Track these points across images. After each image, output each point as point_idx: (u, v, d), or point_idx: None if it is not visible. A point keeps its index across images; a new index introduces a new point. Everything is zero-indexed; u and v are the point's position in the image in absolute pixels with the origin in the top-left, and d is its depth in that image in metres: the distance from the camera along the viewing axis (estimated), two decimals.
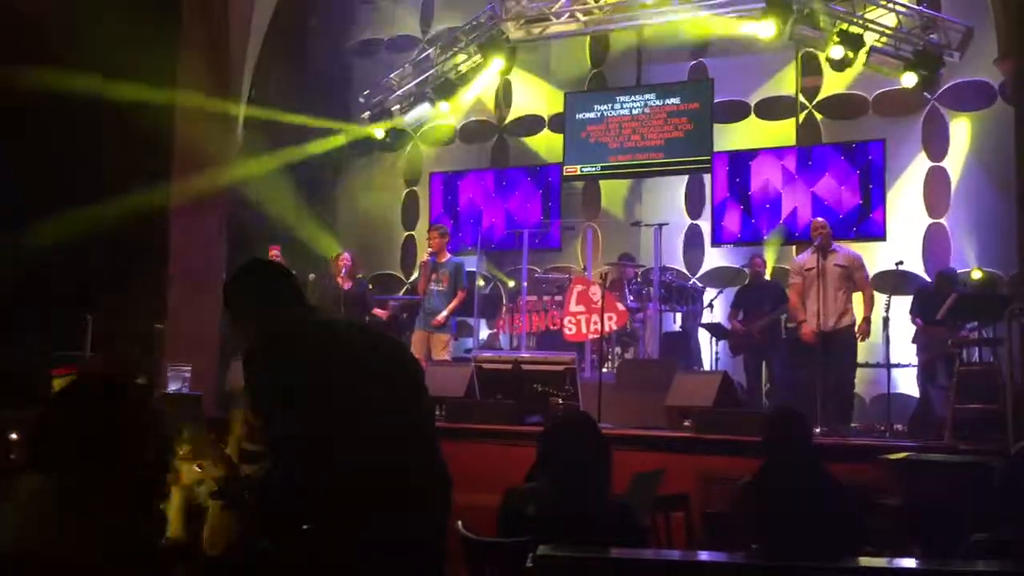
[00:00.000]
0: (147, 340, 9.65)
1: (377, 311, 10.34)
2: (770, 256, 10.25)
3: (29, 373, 7.70)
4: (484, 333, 11.06)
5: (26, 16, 8.75)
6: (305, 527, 2.65)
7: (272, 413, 2.74)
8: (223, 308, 3.00)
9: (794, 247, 10.23)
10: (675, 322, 10.44)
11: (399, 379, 2.85)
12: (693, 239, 11.24)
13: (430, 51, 11.93)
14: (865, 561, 2.67)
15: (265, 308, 2.87)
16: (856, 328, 7.85)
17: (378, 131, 11.94)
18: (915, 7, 9.75)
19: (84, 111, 8.69)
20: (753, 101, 11.07)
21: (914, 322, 8.78)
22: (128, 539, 2.52)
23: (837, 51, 9.64)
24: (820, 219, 8.30)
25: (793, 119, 10.90)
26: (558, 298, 9.84)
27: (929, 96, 10.06)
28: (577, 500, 3.23)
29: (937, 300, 8.34)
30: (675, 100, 10.96)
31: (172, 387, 8.17)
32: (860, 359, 8.66)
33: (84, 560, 2.44)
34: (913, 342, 8.82)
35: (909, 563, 2.68)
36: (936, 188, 10.15)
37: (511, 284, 10.86)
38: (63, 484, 2.50)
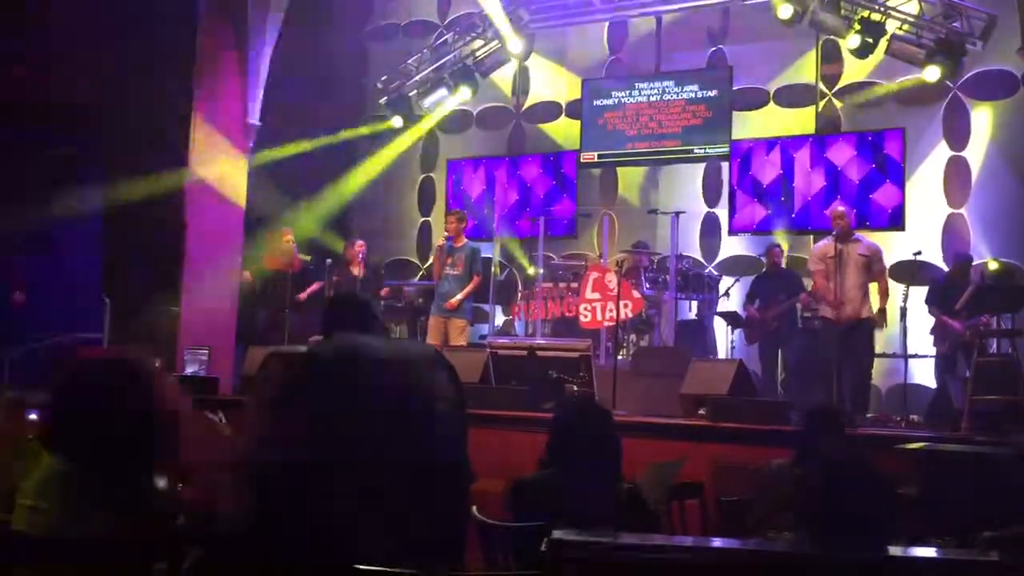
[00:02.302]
0: (163, 322, 9.67)
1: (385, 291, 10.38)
2: (786, 245, 10.19)
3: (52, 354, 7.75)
4: (499, 319, 11.05)
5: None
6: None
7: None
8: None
9: (811, 236, 10.17)
10: (691, 310, 10.42)
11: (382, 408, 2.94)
12: (710, 227, 11.20)
13: (448, 36, 11.88)
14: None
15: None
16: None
17: (396, 120, 11.80)
18: None
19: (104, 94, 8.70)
20: (772, 89, 11.00)
21: (931, 312, 8.71)
22: (139, 521, 2.53)
23: (855, 40, 9.49)
24: (841, 208, 8.26)
25: (812, 107, 10.81)
26: (574, 285, 9.82)
27: (951, 85, 9.96)
28: (585, 486, 3.23)
29: (954, 289, 8.28)
30: (693, 87, 10.88)
31: (189, 370, 8.18)
32: (877, 350, 8.61)
33: (95, 542, 2.45)
34: (931, 333, 8.76)
35: (926, 553, 2.66)
36: (956, 178, 10.06)
37: (531, 271, 10.81)
38: (74, 468, 2.51)
